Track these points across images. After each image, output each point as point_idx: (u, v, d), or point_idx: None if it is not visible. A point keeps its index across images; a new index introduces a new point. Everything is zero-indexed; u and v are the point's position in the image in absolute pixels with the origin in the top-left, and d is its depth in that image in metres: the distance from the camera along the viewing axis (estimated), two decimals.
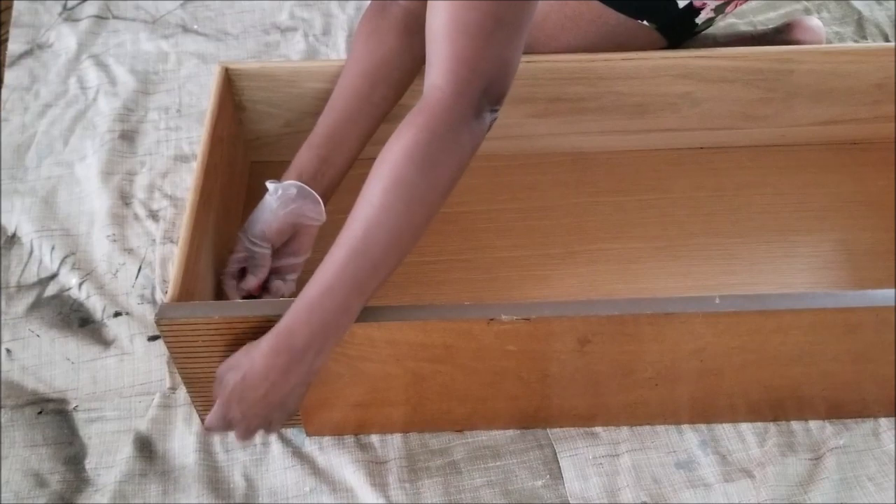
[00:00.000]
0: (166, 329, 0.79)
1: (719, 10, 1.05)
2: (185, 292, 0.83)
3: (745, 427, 0.92)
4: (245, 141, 1.13)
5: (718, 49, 1.09)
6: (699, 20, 1.06)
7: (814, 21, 1.23)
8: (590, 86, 1.09)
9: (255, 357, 0.75)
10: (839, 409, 0.92)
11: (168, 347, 0.81)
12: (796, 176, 1.16)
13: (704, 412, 0.92)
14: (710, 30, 1.21)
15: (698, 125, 1.16)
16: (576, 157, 1.17)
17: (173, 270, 0.83)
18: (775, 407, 0.91)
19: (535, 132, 1.15)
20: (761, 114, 1.15)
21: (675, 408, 0.91)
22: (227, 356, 0.79)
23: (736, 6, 1.07)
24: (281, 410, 0.78)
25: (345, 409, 0.89)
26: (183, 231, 0.86)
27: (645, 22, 1.05)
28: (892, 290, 0.79)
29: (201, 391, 0.86)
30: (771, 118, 1.16)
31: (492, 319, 0.77)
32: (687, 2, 1.03)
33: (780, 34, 1.22)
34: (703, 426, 0.93)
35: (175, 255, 0.87)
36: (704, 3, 1.03)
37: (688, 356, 0.82)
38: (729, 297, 0.79)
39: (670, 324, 0.79)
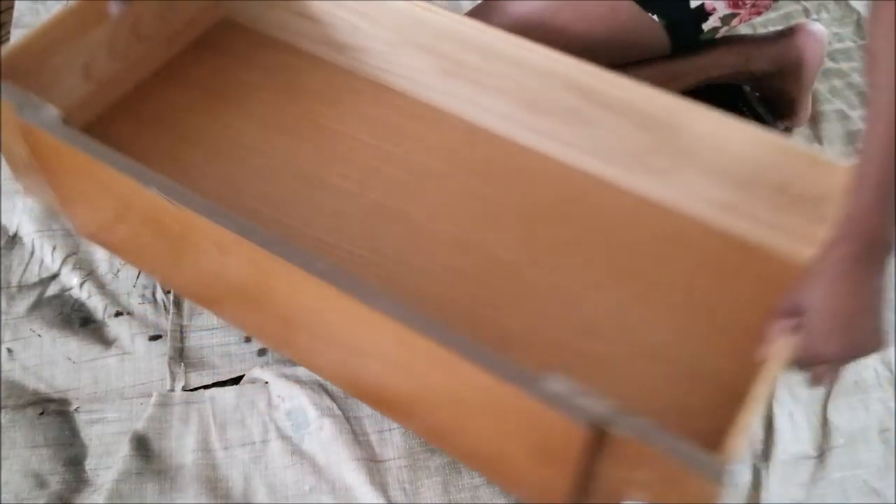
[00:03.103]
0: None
1: (725, 20, 1.05)
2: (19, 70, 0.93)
3: None
4: None
5: (610, 72, 0.97)
6: (706, 26, 1.05)
7: (816, 26, 1.21)
8: (485, 60, 1.04)
9: (836, 269, 0.69)
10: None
11: None
12: (677, 255, 0.99)
13: None
14: None
15: (590, 149, 1.04)
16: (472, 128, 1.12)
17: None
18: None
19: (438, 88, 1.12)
20: (653, 165, 1.01)
21: None
22: None
23: (741, 21, 1.06)
24: (875, 330, 0.69)
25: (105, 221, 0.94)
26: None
27: (655, 17, 1.05)
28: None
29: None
30: (664, 175, 1.01)
31: None
32: (699, 2, 1.03)
33: (784, 38, 1.22)
34: None
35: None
36: (714, 8, 1.03)
37: None
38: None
39: None
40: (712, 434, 0.69)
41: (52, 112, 0.87)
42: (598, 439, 0.69)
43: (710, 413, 0.86)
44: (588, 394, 0.68)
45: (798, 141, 0.91)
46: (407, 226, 1.02)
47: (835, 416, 0.95)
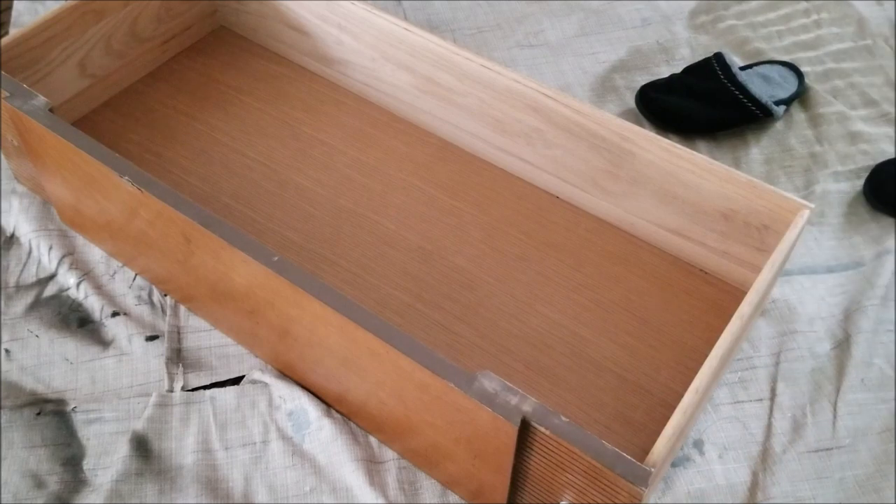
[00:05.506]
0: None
1: None
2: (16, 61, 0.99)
3: None
4: None
5: (569, 97, 1.00)
6: None
7: None
8: (456, 80, 1.09)
9: None
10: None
11: None
12: (628, 275, 1.04)
13: None
14: None
15: (551, 170, 1.09)
16: (443, 144, 1.18)
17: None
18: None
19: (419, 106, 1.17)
20: (609, 188, 1.04)
21: None
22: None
23: None
24: None
25: (84, 209, 0.99)
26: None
27: None
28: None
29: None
30: (619, 198, 1.04)
31: None
32: None
33: None
34: None
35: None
36: None
37: None
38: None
39: None
40: (651, 446, 0.72)
41: (40, 101, 0.93)
42: (529, 437, 0.71)
43: (652, 427, 0.90)
44: (517, 392, 0.71)
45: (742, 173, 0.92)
46: (372, 232, 1.08)
47: (836, 415, 0.95)
